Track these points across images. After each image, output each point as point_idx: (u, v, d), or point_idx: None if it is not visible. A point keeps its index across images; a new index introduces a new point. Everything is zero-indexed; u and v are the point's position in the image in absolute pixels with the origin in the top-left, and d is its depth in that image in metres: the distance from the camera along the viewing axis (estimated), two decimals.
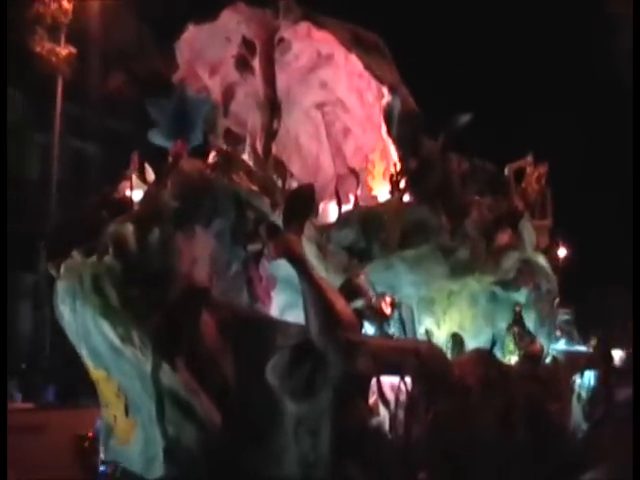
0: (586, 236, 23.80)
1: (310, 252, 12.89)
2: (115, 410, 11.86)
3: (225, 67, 15.29)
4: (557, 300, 17.52)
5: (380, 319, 12.49)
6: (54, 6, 26.01)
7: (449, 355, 14.33)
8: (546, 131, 23.56)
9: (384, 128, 15.15)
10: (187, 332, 11.05)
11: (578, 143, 24.34)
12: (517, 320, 15.49)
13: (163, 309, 11.01)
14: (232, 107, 15.86)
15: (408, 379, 11.47)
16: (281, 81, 15.49)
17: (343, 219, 14.09)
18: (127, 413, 11.65)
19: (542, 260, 17.02)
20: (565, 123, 24.08)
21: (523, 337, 15.22)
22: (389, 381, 11.51)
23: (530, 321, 16.28)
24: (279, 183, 13.57)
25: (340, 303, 11.18)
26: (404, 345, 12.25)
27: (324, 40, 14.81)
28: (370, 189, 15.55)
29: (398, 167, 14.89)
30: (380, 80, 14.86)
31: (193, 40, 14.84)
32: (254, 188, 12.47)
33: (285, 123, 16.01)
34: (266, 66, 14.37)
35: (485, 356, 13.61)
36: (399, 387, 11.48)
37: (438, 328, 15.52)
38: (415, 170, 14.79)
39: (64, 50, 26.54)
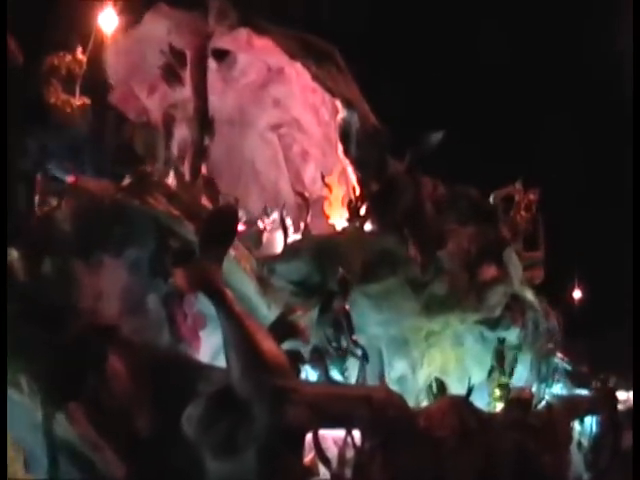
0: (592, 274, 22.21)
1: (249, 287, 11.39)
2: (15, 465, 10.23)
3: (164, 85, 13.85)
4: (557, 339, 16.25)
5: (324, 362, 10.88)
6: (68, 58, 26.25)
7: (427, 402, 13.02)
8: (538, 155, 21.95)
9: (341, 148, 13.66)
10: (88, 377, 9.45)
11: (574, 168, 22.64)
12: (498, 362, 14.00)
13: (57, 350, 9.39)
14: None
15: (357, 432, 9.72)
16: (231, 100, 14.25)
17: (291, 250, 12.53)
18: (27, 468, 10.03)
19: (531, 295, 15.49)
20: (559, 145, 22.38)
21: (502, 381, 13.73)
22: (332, 435, 9.82)
23: (525, 362, 14.95)
24: (210, 206, 11.95)
25: (267, 343, 9.42)
26: (352, 392, 10.54)
27: (269, 50, 13.36)
28: (327, 217, 14.00)
29: (357, 191, 13.38)
30: (332, 93, 13.42)
31: (126, 53, 13.43)
32: (175, 212, 10.85)
33: (240, 147, 14.71)
34: (197, 76, 12.91)
35: (460, 404, 11.85)
36: (345, 441, 9.74)
37: (413, 372, 13.95)
38: (378, 194, 13.29)
39: (78, 101, 26.71)
